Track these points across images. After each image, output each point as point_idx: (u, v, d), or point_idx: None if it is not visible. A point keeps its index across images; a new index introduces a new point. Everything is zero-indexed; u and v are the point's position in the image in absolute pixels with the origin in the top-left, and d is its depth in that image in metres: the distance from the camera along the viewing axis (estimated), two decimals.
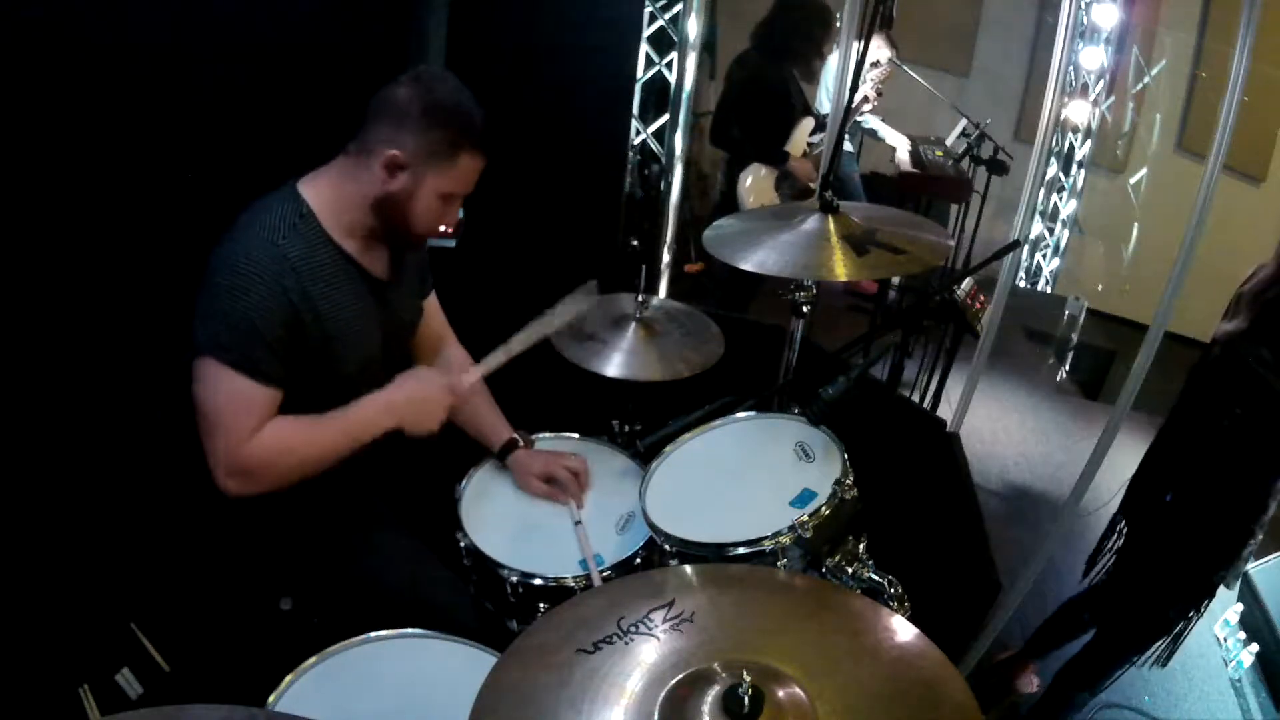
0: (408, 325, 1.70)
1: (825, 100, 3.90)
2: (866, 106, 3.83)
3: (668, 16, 3.83)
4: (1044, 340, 4.84)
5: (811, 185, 3.68)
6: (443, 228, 1.51)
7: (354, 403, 1.49)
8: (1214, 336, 1.93)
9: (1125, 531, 2.15)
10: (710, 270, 4.40)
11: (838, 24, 3.49)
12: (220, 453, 1.37)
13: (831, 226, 1.71)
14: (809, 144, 3.68)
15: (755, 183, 3.64)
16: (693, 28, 3.74)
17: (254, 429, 1.39)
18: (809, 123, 3.67)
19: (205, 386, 1.37)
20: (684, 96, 3.89)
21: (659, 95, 4.01)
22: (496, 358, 1.63)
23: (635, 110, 3.95)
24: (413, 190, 1.43)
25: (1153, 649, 2.08)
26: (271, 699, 1.22)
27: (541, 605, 1.55)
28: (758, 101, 3.58)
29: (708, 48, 4.42)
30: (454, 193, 1.47)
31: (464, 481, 1.75)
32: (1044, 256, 5.53)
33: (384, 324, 1.59)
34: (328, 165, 1.48)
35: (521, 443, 1.78)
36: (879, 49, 3.65)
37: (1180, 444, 2.04)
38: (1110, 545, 2.17)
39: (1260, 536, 1.93)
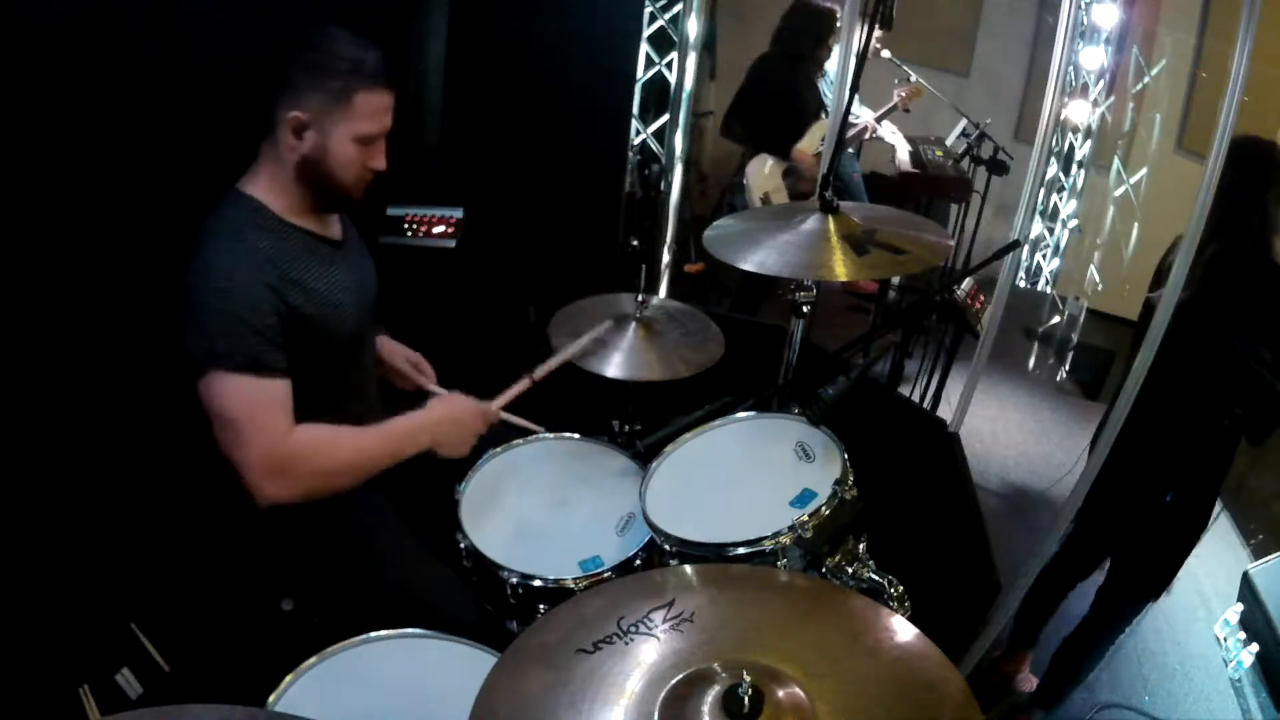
0: (375, 276, 1.75)
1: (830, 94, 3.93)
2: (874, 119, 3.87)
3: (668, 16, 3.83)
4: (1044, 340, 4.85)
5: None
6: (372, 166, 1.51)
7: (393, 419, 1.54)
8: (1148, 301, 1.96)
9: (1091, 496, 2.17)
10: (713, 273, 4.44)
11: (838, 24, 3.51)
12: (258, 456, 1.38)
13: (831, 226, 1.71)
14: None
15: (764, 172, 3.74)
16: (693, 28, 3.73)
17: (283, 424, 1.41)
18: (825, 125, 3.70)
19: (219, 399, 1.38)
20: (684, 96, 3.89)
21: (659, 95, 4.01)
22: (520, 385, 1.73)
23: (635, 110, 3.95)
24: (324, 144, 1.45)
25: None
26: (271, 699, 1.22)
27: (541, 606, 1.55)
28: (772, 101, 3.71)
29: (708, 48, 4.42)
30: (366, 133, 1.47)
31: (464, 483, 1.75)
32: (1044, 256, 5.52)
33: (358, 284, 1.64)
34: (257, 159, 1.51)
35: (381, 332, 1.87)
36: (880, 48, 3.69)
37: (1180, 443, 2.04)
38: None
39: None
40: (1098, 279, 5.11)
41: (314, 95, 1.42)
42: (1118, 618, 2.21)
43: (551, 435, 1.89)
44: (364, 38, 1.46)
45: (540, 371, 1.76)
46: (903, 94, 3.79)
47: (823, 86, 3.88)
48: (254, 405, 1.38)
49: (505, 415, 1.73)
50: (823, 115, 3.74)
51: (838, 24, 3.54)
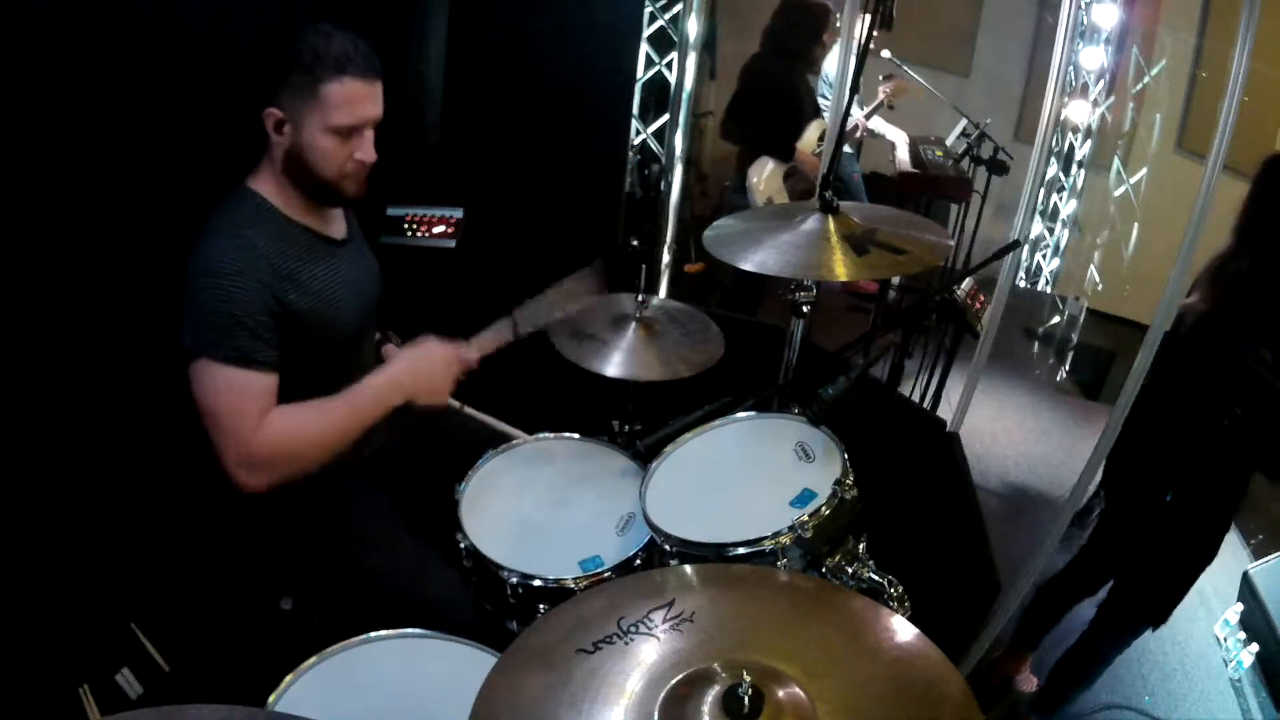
0: (377, 275, 1.75)
1: (826, 95, 3.92)
2: (863, 116, 3.86)
3: (668, 16, 3.83)
4: (1044, 340, 4.85)
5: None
6: (359, 158, 1.49)
7: (358, 383, 1.53)
8: (1179, 312, 1.96)
9: (1105, 512, 2.18)
10: (713, 272, 4.44)
11: (837, 22, 3.51)
12: (230, 446, 1.39)
13: (831, 226, 1.71)
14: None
15: (766, 175, 3.73)
16: (693, 28, 3.74)
17: (258, 416, 1.41)
18: (821, 123, 3.70)
19: (203, 386, 1.39)
20: (684, 96, 3.90)
21: (659, 95, 4.02)
22: (502, 327, 1.69)
23: (635, 110, 3.95)
24: (299, 139, 1.46)
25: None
26: (271, 699, 1.22)
27: (541, 606, 1.55)
28: (770, 101, 3.67)
29: (708, 48, 4.42)
30: (339, 124, 1.45)
31: (464, 482, 1.75)
32: (1044, 256, 5.53)
33: (357, 283, 1.64)
34: (262, 156, 1.52)
35: (394, 340, 1.88)
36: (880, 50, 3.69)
37: (1179, 443, 2.04)
38: (1093, 517, 2.20)
39: None
40: (1098, 279, 5.12)
41: (285, 90, 1.43)
42: (1114, 640, 2.20)
43: (552, 435, 1.89)
44: (350, 30, 1.45)
45: (520, 314, 1.70)
46: (887, 90, 3.77)
47: (820, 86, 3.89)
48: (233, 395, 1.39)
49: (488, 419, 1.70)
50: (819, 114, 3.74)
51: (836, 22, 3.54)
